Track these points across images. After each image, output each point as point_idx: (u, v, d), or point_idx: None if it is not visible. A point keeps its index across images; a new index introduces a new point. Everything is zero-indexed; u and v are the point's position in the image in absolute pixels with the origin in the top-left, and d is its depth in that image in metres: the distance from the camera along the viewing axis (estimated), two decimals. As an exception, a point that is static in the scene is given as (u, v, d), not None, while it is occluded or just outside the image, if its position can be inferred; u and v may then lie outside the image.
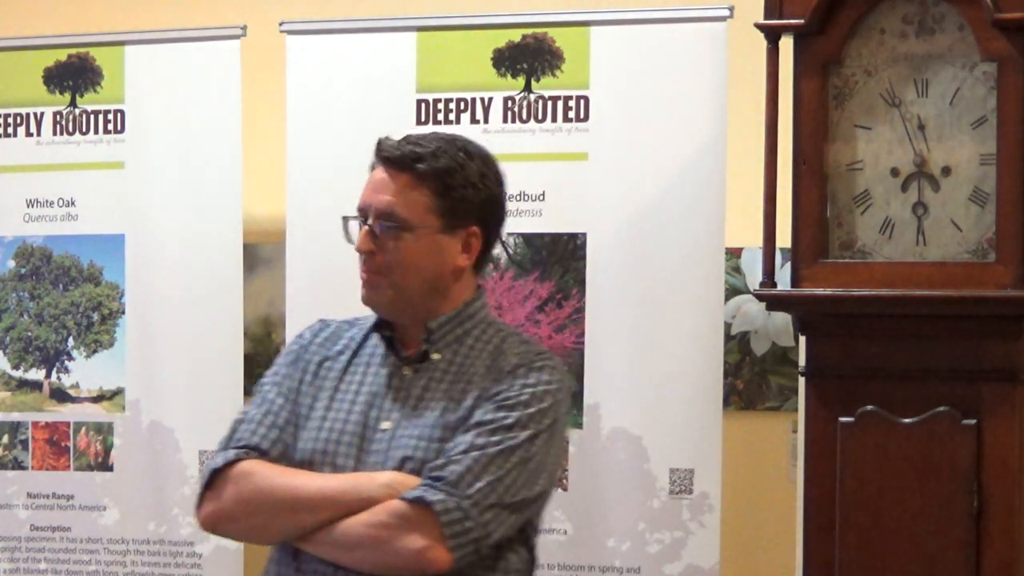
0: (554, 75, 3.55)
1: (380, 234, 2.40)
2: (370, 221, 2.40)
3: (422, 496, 2.28)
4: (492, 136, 3.56)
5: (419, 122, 3.60)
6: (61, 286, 3.86)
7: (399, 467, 2.36)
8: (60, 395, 3.85)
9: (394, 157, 2.42)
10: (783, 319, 3.85)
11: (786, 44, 3.00)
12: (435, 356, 2.43)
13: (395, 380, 2.43)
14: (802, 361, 3.07)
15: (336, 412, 2.43)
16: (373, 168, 2.46)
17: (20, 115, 3.87)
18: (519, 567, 2.41)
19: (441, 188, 2.41)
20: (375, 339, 2.49)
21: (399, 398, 2.42)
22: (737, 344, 3.96)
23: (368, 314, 2.51)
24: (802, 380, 3.06)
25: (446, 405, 2.39)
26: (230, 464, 2.38)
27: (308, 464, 2.40)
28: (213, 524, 2.40)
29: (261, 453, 2.39)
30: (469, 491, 2.29)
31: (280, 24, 3.70)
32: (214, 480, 2.38)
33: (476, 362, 2.43)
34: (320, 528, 2.32)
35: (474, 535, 2.30)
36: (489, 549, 2.33)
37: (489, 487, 2.30)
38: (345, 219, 2.45)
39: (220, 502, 2.37)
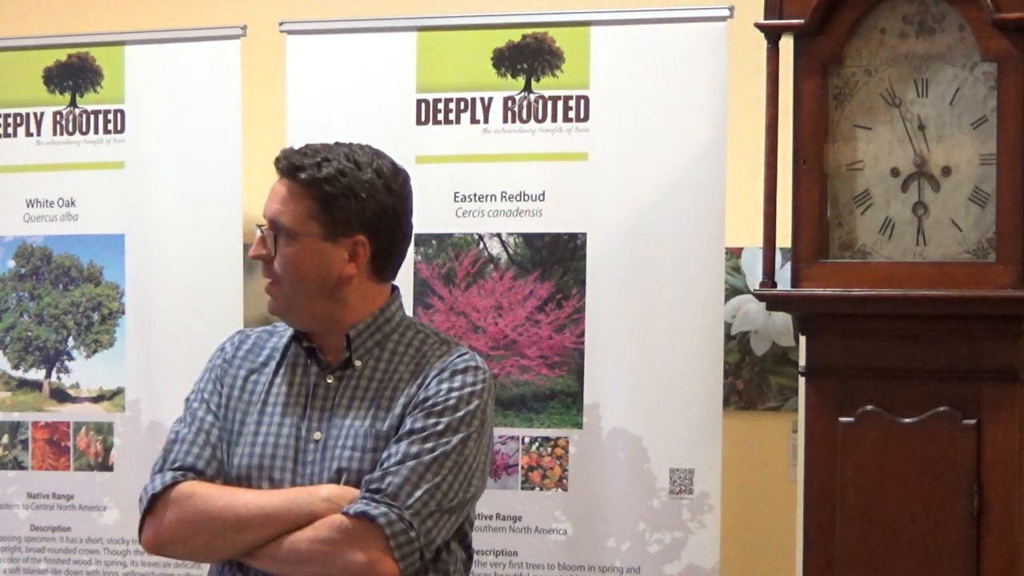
0: (554, 75, 3.55)
1: (270, 242, 2.46)
2: (261, 230, 2.47)
3: (365, 511, 2.33)
4: (492, 136, 3.56)
5: (419, 122, 3.60)
6: (61, 286, 3.86)
7: (335, 479, 2.40)
8: (60, 395, 3.85)
9: (283, 167, 2.48)
10: (783, 319, 3.85)
11: (786, 44, 3.00)
12: (357, 363, 2.47)
13: (320, 390, 2.47)
14: (802, 361, 3.07)
15: (268, 426, 2.46)
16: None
17: (20, 115, 3.86)
18: (455, 565, 2.48)
19: (322, 196, 2.45)
20: (296, 349, 2.52)
21: (326, 408, 2.45)
22: (737, 344, 3.96)
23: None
24: (802, 380, 3.06)
25: (375, 413, 2.44)
26: (169, 487, 2.41)
27: (245, 480, 2.43)
28: (157, 547, 2.43)
29: (198, 473, 2.43)
30: (409, 501, 2.34)
31: (280, 24, 3.70)
32: (154, 504, 2.41)
33: (399, 367, 2.48)
34: (265, 544, 2.36)
35: (418, 544, 2.35)
36: (431, 554, 2.39)
37: (428, 495, 2.36)
38: (259, 227, 2.51)
39: (162, 525, 2.40)
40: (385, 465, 2.37)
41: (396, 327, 2.53)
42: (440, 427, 2.40)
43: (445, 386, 2.43)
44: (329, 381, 2.47)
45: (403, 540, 2.33)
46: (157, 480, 2.43)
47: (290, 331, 2.55)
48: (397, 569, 2.34)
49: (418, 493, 2.35)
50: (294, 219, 2.45)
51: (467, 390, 2.44)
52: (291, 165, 2.46)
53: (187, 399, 2.57)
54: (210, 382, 2.53)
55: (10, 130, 3.87)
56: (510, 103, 3.57)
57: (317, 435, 2.43)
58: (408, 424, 2.40)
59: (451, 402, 2.42)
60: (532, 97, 3.55)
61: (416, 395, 2.43)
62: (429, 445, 2.38)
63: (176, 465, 2.43)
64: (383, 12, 3.88)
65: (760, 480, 3.90)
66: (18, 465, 3.85)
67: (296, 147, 2.51)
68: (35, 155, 3.86)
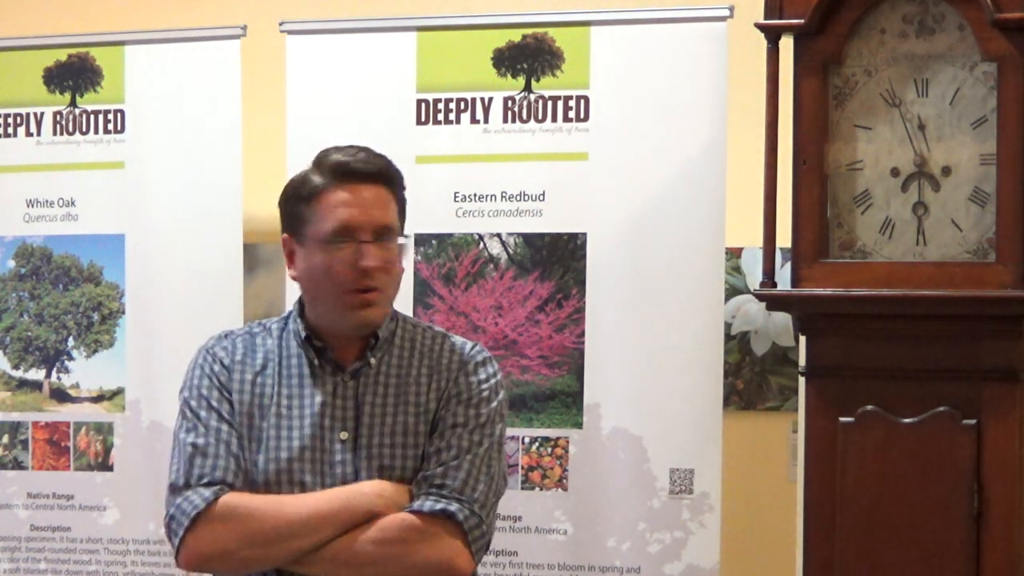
0: (554, 75, 3.55)
1: (384, 250, 2.43)
2: (368, 238, 2.41)
3: (444, 508, 2.34)
4: (492, 136, 3.56)
5: (419, 122, 3.60)
6: (61, 286, 3.86)
7: (378, 477, 2.39)
8: (60, 395, 3.85)
9: (372, 171, 2.44)
10: (783, 319, 3.85)
11: (786, 44, 3.00)
12: (372, 361, 2.47)
13: (340, 390, 2.45)
14: (802, 361, 3.07)
15: (287, 430, 2.43)
16: (324, 188, 2.43)
17: (20, 115, 3.87)
18: None
19: (399, 196, 2.48)
20: (294, 349, 2.48)
21: (347, 407, 2.44)
22: (737, 344, 3.96)
23: (258, 319, 2.57)
24: (802, 380, 3.06)
25: (404, 409, 2.43)
26: (211, 503, 2.36)
27: (275, 486, 2.40)
28: (201, 563, 2.37)
29: (228, 486, 2.38)
30: (475, 495, 2.37)
31: (280, 24, 3.70)
32: (195, 521, 2.35)
33: (412, 362, 2.48)
34: (319, 549, 2.33)
35: (487, 537, 2.39)
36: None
37: (487, 487, 2.39)
38: (329, 243, 2.42)
39: (211, 540, 2.35)
40: (442, 460, 2.38)
41: (397, 323, 2.54)
42: (483, 419, 2.43)
43: (474, 379, 2.47)
44: (347, 382, 2.46)
45: (477, 534, 2.36)
46: (194, 498, 2.36)
47: (273, 331, 2.51)
48: (473, 563, 2.37)
49: (480, 487, 2.38)
50: (394, 222, 2.45)
51: (492, 381, 2.48)
52: (381, 169, 2.44)
53: (187, 405, 2.47)
54: (214, 388, 2.46)
55: (10, 130, 3.88)
56: (510, 103, 3.57)
57: (343, 435, 2.41)
58: (449, 418, 2.42)
59: (485, 394, 2.45)
60: (532, 97, 3.55)
61: (447, 388, 2.45)
62: (478, 437, 2.41)
63: (205, 480, 2.38)
64: (383, 12, 3.88)
65: (760, 480, 3.90)
66: (18, 465, 3.85)
67: (351, 147, 2.46)
68: (35, 155, 3.86)
